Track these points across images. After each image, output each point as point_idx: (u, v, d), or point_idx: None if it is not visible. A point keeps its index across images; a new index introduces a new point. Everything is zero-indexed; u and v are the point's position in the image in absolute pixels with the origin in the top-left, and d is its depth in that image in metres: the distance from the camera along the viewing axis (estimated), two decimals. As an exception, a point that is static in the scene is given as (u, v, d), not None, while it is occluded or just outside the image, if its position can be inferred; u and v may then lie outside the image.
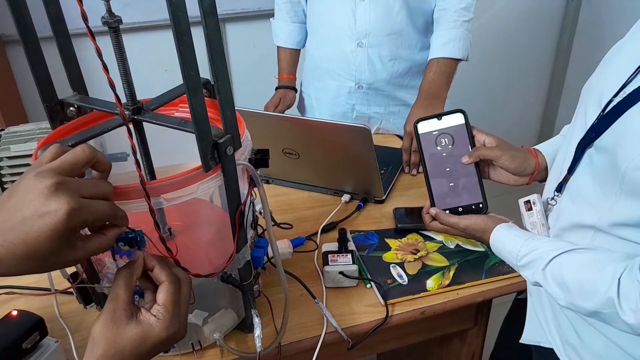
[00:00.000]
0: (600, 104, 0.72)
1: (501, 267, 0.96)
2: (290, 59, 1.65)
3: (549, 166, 0.91)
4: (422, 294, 0.91)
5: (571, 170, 0.78)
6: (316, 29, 1.55)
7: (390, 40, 1.43)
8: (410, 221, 1.09)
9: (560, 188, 0.81)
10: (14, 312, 0.74)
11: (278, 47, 1.65)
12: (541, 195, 0.86)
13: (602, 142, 0.71)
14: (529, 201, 0.85)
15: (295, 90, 1.68)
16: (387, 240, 1.05)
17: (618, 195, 0.68)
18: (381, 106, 1.55)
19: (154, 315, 0.53)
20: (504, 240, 0.80)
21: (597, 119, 0.72)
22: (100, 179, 0.53)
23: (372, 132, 1.60)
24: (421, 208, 1.10)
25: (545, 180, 0.91)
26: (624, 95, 0.68)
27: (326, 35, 1.52)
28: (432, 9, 1.43)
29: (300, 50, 1.65)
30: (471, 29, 1.40)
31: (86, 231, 0.53)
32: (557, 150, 0.89)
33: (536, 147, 0.95)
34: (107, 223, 0.53)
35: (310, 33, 1.58)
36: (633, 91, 0.66)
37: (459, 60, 1.40)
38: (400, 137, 1.52)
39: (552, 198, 0.83)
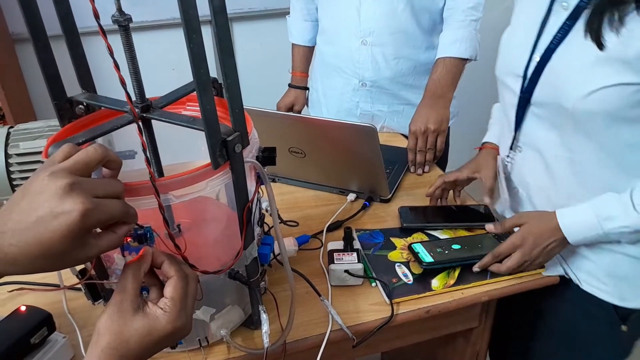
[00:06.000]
0: (518, 72, 0.93)
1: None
2: (303, 56, 1.67)
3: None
4: (427, 294, 0.91)
5: (517, 128, 0.97)
6: (324, 26, 1.56)
7: (394, 39, 1.44)
8: (415, 220, 1.10)
9: (512, 146, 1.01)
10: (23, 308, 0.75)
11: (292, 44, 1.67)
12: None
13: (539, 98, 0.91)
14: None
15: (307, 89, 1.70)
16: (393, 239, 1.05)
17: (574, 130, 0.86)
18: (385, 104, 1.56)
19: (161, 308, 0.53)
20: (573, 221, 0.88)
21: (523, 83, 0.92)
22: (111, 178, 0.54)
23: (376, 130, 1.61)
24: (426, 207, 1.13)
25: None
26: (540, 56, 0.88)
27: (333, 32, 1.53)
28: (439, 8, 1.42)
29: (313, 47, 1.67)
30: (479, 29, 1.39)
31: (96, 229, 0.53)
32: (501, 130, 1.09)
33: (486, 140, 1.16)
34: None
35: (320, 29, 1.60)
36: (545, 50, 0.87)
37: (466, 60, 1.39)
38: (406, 137, 1.52)
39: (507, 156, 1.04)
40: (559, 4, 0.87)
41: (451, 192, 1.18)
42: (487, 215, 1.11)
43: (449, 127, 1.42)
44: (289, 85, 1.71)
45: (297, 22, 1.64)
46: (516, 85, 0.94)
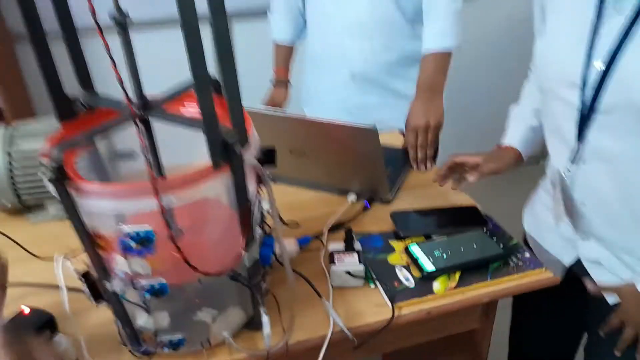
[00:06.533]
0: (574, 81, 0.87)
1: (506, 269, 0.96)
2: (284, 53, 1.67)
3: (526, 150, 1.11)
4: (429, 297, 0.90)
5: (581, 139, 0.90)
6: (312, 20, 1.57)
7: (380, 30, 1.44)
8: (413, 231, 1.07)
9: (574, 159, 0.93)
10: (26, 310, 0.74)
11: (274, 42, 1.67)
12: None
13: (609, 106, 0.83)
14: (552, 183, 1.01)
15: (288, 84, 1.69)
16: (392, 243, 1.04)
17: None
18: (375, 96, 1.56)
19: None
20: None
21: (585, 90, 0.86)
22: None
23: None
24: (417, 212, 1.13)
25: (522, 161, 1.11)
26: (603, 62, 0.82)
27: (320, 26, 1.54)
28: None
29: (294, 44, 1.67)
30: (462, 17, 1.40)
31: None
32: (525, 135, 1.10)
33: (508, 143, 1.12)
34: None
35: (308, 24, 1.60)
36: (613, 55, 0.81)
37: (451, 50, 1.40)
38: (403, 134, 1.51)
39: (568, 170, 0.95)
40: (610, 7, 0.83)
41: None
42: (477, 216, 1.11)
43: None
44: (270, 81, 1.70)
45: (278, 20, 1.64)
46: (573, 95, 0.88)
